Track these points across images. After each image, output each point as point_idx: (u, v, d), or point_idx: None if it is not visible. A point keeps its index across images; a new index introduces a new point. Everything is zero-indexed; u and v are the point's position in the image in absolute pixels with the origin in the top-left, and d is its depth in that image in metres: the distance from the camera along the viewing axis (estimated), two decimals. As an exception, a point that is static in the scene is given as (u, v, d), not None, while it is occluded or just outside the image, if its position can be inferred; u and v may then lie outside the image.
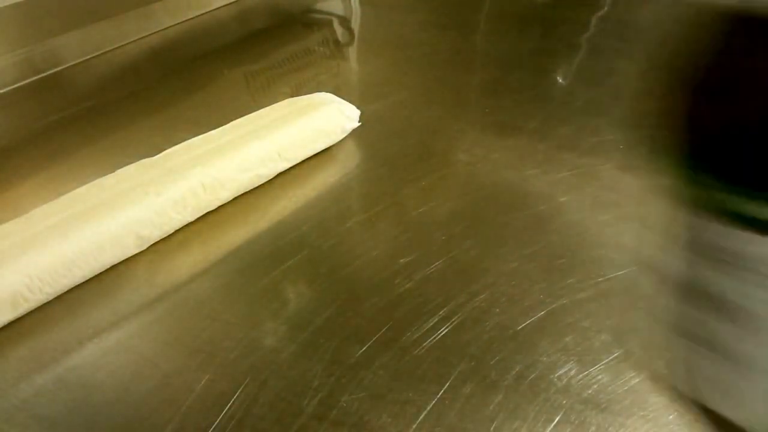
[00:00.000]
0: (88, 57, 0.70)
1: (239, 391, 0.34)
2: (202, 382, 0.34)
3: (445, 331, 0.36)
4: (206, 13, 0.79)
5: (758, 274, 0.12)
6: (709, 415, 0.13)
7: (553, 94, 0.60)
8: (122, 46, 0.72)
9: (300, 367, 0.35)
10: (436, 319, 0.37)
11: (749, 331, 0.12)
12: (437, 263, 0.40)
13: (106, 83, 0.67)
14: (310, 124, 0.50)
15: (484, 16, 0.81)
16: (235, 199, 0.47)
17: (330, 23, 0.81)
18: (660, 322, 0.36)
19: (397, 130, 0.55)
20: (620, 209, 0.44)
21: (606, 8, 0.77)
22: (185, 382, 0.34)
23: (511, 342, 0.35)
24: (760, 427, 0.13)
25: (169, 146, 0.47)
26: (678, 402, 0.32)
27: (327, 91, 0.54)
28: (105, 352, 0.36)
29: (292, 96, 0.54)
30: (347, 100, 0.53)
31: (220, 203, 0.46)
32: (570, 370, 0.34)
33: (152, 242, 0.43)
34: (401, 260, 0.41)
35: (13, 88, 0.64)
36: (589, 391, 0.33)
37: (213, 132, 0.49)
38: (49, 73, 0.67)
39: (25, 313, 0.38)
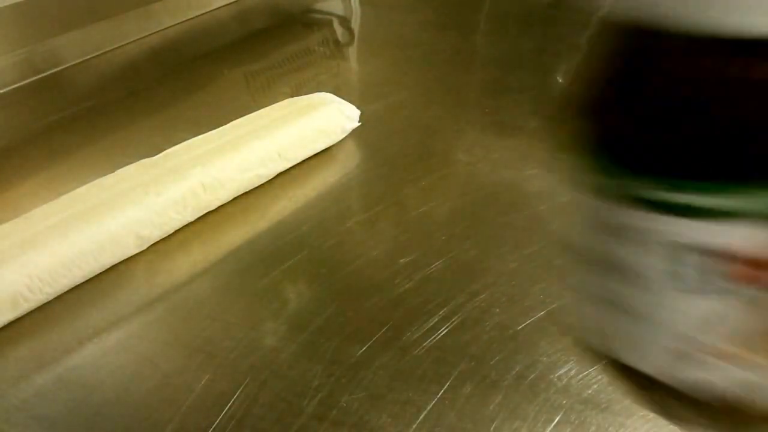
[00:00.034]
0: (88, 57, 0.70)
1: (239, 391, 0.34)
2: (202, 382, 0.34)
3: (445, 331, 0.36)
4: (206, 13, 0.79)
5: (652, 244, 0.13)
6: (615, 363, 0.16)
7: (553, 94, 0.60)
8: (122, 46, 0.72)
9: (300, 367, 0.35)
10: (436, 319, 0.37)
11: (644, 291, 0.14)
12: (437, 263, 0.40)
13: (106, 83, 0.67)
14: (310, 124, 0.50)
15: (484, 16, 0.81)
16: (235, 199, 0.47)
17: (330, 23, 0.81)
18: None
19: (397, 130, 0.55)
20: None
21: (606, 8, 0.77)
22: (185, 382, 0.34)
23: (511, 342, 0.35)
24: (648, 366, 0.15)
25: (169, 146, 0.47)
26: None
27: (327, 91, 0.54)
28: (105, 352, 0.36)
29: (292, 96, 0.54)
30: (347, 100, 0.53)
31: (220, 203, 0.46)
32: (570, 370, 0.34)
33: (152, 242, 0.43)
34: (401, 260, 0.41)
35: (13, 88, 0.64)
36: (589, 391, 0.32)
37: (213, 132, 0.49)
38: (49, 73, 0.67)
39: (25, 313, 0.38)
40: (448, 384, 0.33)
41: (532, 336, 0.35)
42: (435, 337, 0.36)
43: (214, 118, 0.51)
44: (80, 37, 0.69)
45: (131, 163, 0.46)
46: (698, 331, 0.14)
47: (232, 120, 0.50)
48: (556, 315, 0.37)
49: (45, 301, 0.39)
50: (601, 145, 0.15)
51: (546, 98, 0.59)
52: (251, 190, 0.48)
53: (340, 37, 0.78)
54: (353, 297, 0.39)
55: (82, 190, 0.43)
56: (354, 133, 0.53)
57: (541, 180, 0.48)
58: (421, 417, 0.32)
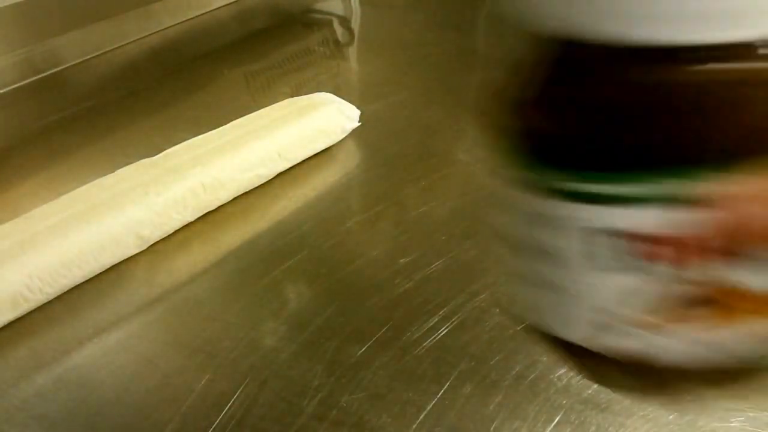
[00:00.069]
0: (88, 57, 0.70)
1: (239, 391, 0.34)
2: (202, 382, 0.34)
3: (445, 331, 0.36)
4: (206, 13, 0.79)
5: (568, 228, 0.15)
6: (544, 335, 0.19)
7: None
8: (122, 46, 0.72)
9: (300, 367, 0.35)
10: (436, 319, 0.37)
11: (564, 270, 0.16)
12: (437, 263, 0.40)
13: (106, 83, 0.67)
14: (310, 124, 0.50)
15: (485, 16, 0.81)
16: (235, 199, 0.47)
17: (330, 23, 0.81)
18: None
19: (397, 130, 0.55)
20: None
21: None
22: (185, 382, 0.34)
23: (511, 342, 0.35)
24: (575, 336, 0.18)
25: (169, 146, 0.47)
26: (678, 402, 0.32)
27: (327, 91, 0.54)
28: (105, 352, 0.36)
29: (292, 96, 0.54)
30: (347, 100, 0.53)
31: (220, 203, 0.46)
32: (570, 370, 0.34)
33: (152, 242, 0.43)
34: (401, 260, 0.41)
35: (13, 88, 0.64)
36: (589, 391, 0.32)
37: (213, 132, 0.49)
38: (49, 73, 0.67)
39: (25, 313, 0.38)
40: (448, 384, 0.33)
41: (532, 336, 0.35)
42: (435, 337, 0.36)
43: (214, 118, 0.51)
44: (80, 37, 0.68)
45: (131, 163, 0.46)
46: (614, 304, 0.16)
47: (232, 120, 0.50)
48: None
49: (45, 301, 0.39)
50: (523, 142, 0.16)
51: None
52: (251, 190, 0.48)
53: (340, 37, 0.78)
54: (353, 297, 0.39)
55: (82, 190, 0.43)
56: (354, 133, 0.53)
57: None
58: (421, 417, 0.32)
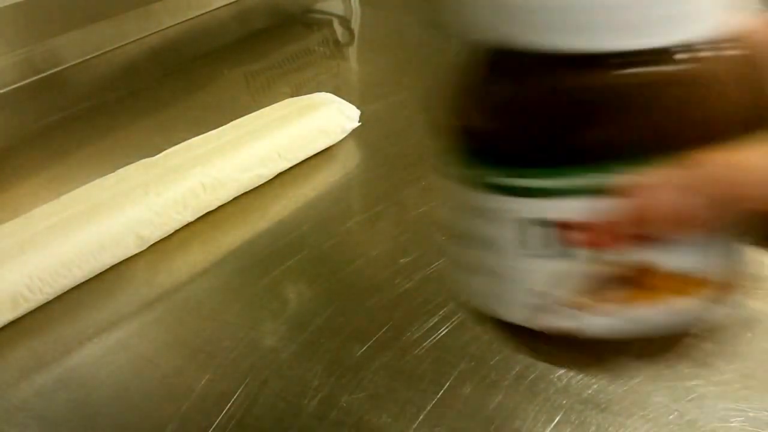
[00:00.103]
0: (88, 57, 0.70)
1: (239, 391, 0.34)
2: (202, 382, 0.34)
3: (445, 331, 0.36)
4: (206, 13, 0.79)
5: (503, 219, 0.18)
6: (488, 317, 0.20)
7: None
8: (122, 46, 0.72)
9: (300, 367, 0.35)
10: (436, 319, 0.37)
11: (501, 257, 0.18)
12: (437, 263, 0.40)
13: (106, 83, 0.67)
14: (310, 124, 0.50)
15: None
16: (235, 199, 0.47)
17: (330, 23, 0.81)
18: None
19: (397, 130, 0.55)
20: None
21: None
22: (185, 382, 0.34)
23: (511, 342, 0.35)
24: (514, 317, 0.19)
25: (169, 146, 0.47)
26: (678, 402, 0.32)
27: (327, 91, 0.54)
28: (105, 352, 0.36)
29: (292, 96, 0.54)
30: (347, 100, 0.53)
31: (220, 203, 0.46)
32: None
33: (152, 242, 0.43)
34: (401, 260, 0.41)
35: (13, 88, 0.64)
36: (589, 391, 0.33)
37: (213, 132, 0.49)
38: (49, 73, 0.67)
39: (25, 313, 0.38)
40: (448, 384, 0.33)
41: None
42: (435, 337, 0.36)
43: (214, 118, 0.51)
44: (80, 37, 0.68)
45: (131, 163, 0.46)
46: (547, 287, 0.18)
47: (232, 120, 0.50)
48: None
49: (45, 301, 0.39)
50: (462, 141, 0.18)
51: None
52: (251, 190, 0.48)
53: (340, 37, 0.78)
54: (353, 297, 0.39)
55: (82, 190, 0.43)
56: (354, 133, 0.53)
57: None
58: (421, 417, 0.32)
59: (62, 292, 0.40)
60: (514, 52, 0.16)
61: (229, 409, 0.33)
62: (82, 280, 0.40)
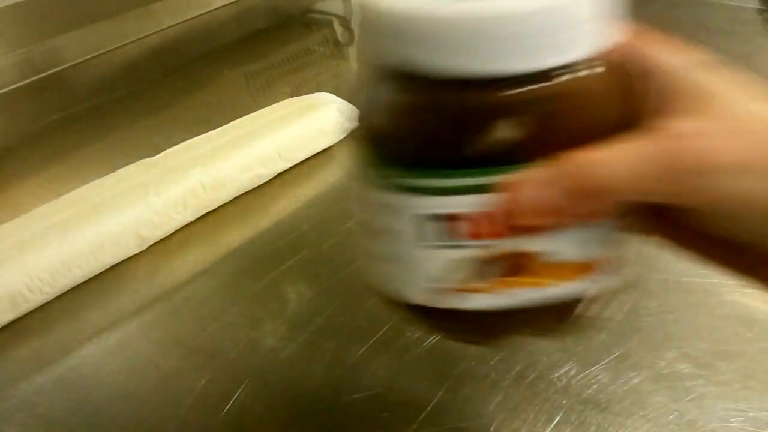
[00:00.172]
0: (88, 57, 0.70)
1: (239, 391, 0.34)
2: (202, 382, 0.34)
3: (445, 331, 0.36)
4: (206, 13, 0.79)
5: (404, 214, 0.21)
6: (393, 300, 0.23)
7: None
8: (122, 46, 0.72)
9: (300, 367, 0.35)
10: (436, 319, 0.37)
11: (403, 248, 0.21)
12: (437, 263, 0.40)
13: (106, 83, 0.67)
14: (310, 124, 0.50)
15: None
16: (235, 199, 0.47)
17: (330, 23, 0.81)
18: (661, 323, 0.36)
19: (397, 130, 0.55)
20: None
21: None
22: (185, 382, 0.34)
23: (511, 342, 0.35)
24: (418, 300, 0.22)
25: (169, 146, 0.47)
26: (678, 402, 0.32)
27: (327, 91, 0.54)
28: (105, 352, 0.36)
29: (292, 96, 0.54)
30: (347, 100, 0.52)
31: (220, 203, 0.46)
32: (570, 370, 0.34)
33: (152, 242, 0.43)
34: (401, 260, 0.41)
35: (13, 88, 0.64)
36: (589, 391, 0.33)
37: (213, 132, 0.49)
38: (49, 73, 0.67)
39: (25, 313, 0.38)
40: (448, 384, 0.33)
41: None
42: (435, 337, 0.36)
43: (214, 118, 0.51)
44: (80, 37, 0.68)
45: (131, 163, 0.46)
46: (442, 273, 0.21)
47: (232, 120, 0.50)
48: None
49: (45, 301, 0.39)
50: (371, 147, 0.21)
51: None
52: (251, 190, 0.48)
53: (340, 37, 0.78)
54: (353, 297, 0.39)
55: (82, 190, 0.43)
56: (354, 133, 0.53)
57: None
58: (421, 417, 0.32)
59: (62, 292, 0.40)
60: (415, 73, 0.19)
61: (229, 409, 0.33)
62: (82, 280, 0.40)
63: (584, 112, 0.19)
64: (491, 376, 0.33)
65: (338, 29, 0.79)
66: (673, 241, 0.23)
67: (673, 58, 0.21)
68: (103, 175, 0.45)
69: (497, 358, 0.34)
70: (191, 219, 0.45)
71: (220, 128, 0.49)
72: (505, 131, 0.19)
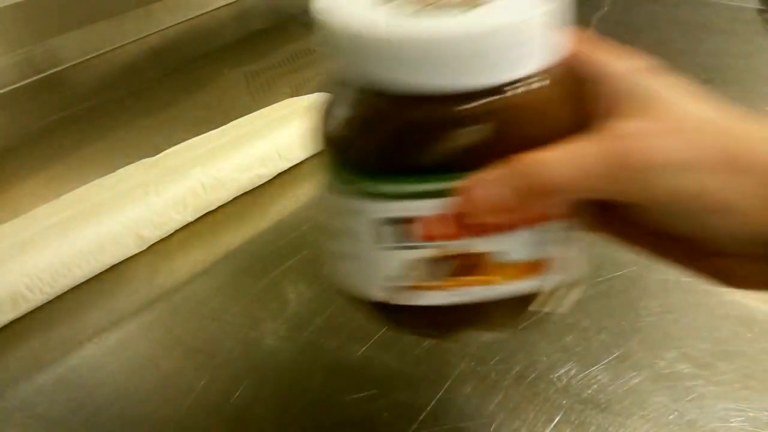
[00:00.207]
0: (88, 57, 0.69)
1: (239, 391, 0.34)
2: (202, 382, 0.34)
3: (445, 331, 0.36)
4: (206, 13, 0.79)
5: (363, 218, 0.22)
6: (355, 298, 0.25)
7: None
8: (122, 46, 0.72)
9: (300, 367, 0.35)
10: (436, 319, 0.37)
11: (362, 249, 0.23)
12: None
13: (106, 83, 0.67)
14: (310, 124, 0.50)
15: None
16: (235, 199, 0.47)
17: (330, 23, 0.81)
18: (660, 322, 0.36)
19: (397, 130, 0.55)
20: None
21: (606, 8, 0.77)
22: (185, 382, 0.34)
23: (511, 342, 0.35)
24: (377, 297, 0.23)
25: (169, 146, 0.47)
26: (678, 402, 0.32)
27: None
28: (105, 352, 0.36)
29: (292, 96, 0.54)
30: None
31: (220, 203, 0.46)
32: (570, 370, 0.34)
33: (152, 242, 0.43)
34: (401, 260, 0.41)
35: (13, 88, 0.64)
36: (589, 391, 0.33)
37: (213, 132, 0.49)
38: (49, 73, 0.66)
39: (25, 313, 0.38)
40: (448, 384, 0.33)
41: (532, 336, 0.35)
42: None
43: (214, 118, 0.51)
44: (80, 37, 0.68)
45: (131, 163, 0.46)
46: (399, 272, 0.22)
47: (232, 120, 0.50)
48: (556, 315, 0.37)
49: (45, 301, 0.39)
50: (334, 155, 0.22)
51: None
52: (251, 190, 0.48)
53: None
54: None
55: (82, 190, 0.43)
56: (354, 133, 0.53)
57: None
58: (421, 417, 0.32)
59: (62, 292, 0.40)
60: (375, 88, 0.20)
61: (229, 409, 0.33)
62: (82, 280, 0.40)
63: (536, 120, 0.21)
64: (491, 376, 0.33)
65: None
66: (621, 238, 0.24)
67: (619, 63, 0.22)
68: (103, 175, 0.45)
69: (497, 358, 0.34)
70: (191, 219, 0.45)
71: (220, 128, 0.49)
72: (460, 141, 0.20)
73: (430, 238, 0.22)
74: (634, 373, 0.33)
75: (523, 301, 0.24)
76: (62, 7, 0.66)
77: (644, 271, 0.38)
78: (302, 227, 0.44)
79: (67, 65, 0.68)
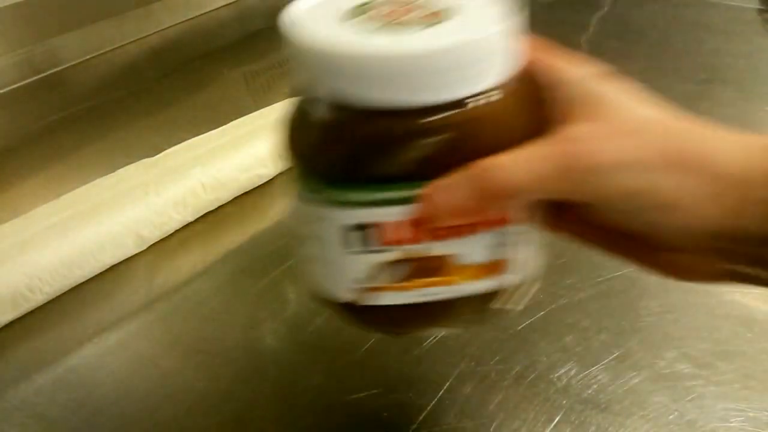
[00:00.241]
0: (88, 57, 0.70)
1: (239, 391, 0.34)
2: (202, 382, 0.34)
3: (445, 331, 0.36)
4: (206, 13, 0.79)
5: (331, 225, 0.23)
6: (325, 300, 0.26)
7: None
8: (122, 46, 0.72)
9: (300, 367, 0.35)
10: (436, 319, 0.37)
11: (331, 254, 0.24)
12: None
13: (106, 83, 0.67)
14: (310, 124, 0.50)
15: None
16: (235, 199, 0.47)
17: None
18: (658, 322, 0.36)
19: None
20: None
21: (606, 8, 0.77)
22: (185, 381, 0.34)
23: (511, 342, 0.35)
24: (345, 298, 0.25)
25: (169, 146, 0.47)
26: (678, 402, 0.32)
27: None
28: (105, 352, 0.36)
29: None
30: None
31: (220, 203, 0.46)
32: (570, 370, 0.34)
33: (152, 242, 0.43)
34: (401, 260, 0.41)
35: (13, 88, 0.64)
36: (589, 391, 0.33)
37: (213, 132, 0.49)
38: (49, 73, 0.67)
39: (25, 313, 0.38)
40: (448, 384, 0.33)
41: (532, 336, 0.35)
42: (435, 337, 0.36)
43: (214, 118, 0.51)
44: (80, 37, 0.68)
45: (131, 163, 0.46)
46: (365, 275, 0.24)
47: (232, 120, 0.50)
48: (556, 315, 0.37)
49: (45, 301, 0.39)
50: (299, 165, 0.23)
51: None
52: (251, 190, 0.48)
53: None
54: (353, 297, 0.39)
55: (82, 190, 0.43)
56: (354, 133, 0.53)
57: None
58: (421, 417, 0.32)
59: (62, 292, 0.40)
60: (341, 103, 0.21)
61: (229, 409, 0.33)
62: (82, 280, 0.40)
63: (495, 129, 0.22)
64: (491, 376, 0.33)
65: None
66: (578, 236, 0.25)
67: (574, 70, 0.23)
68: (103, 175, 0.45)
69: (497, 358, 0.34)
70: (191, 219, 0.45)
71: (220, 128, 0.49)
72: (422, 152, 0.21)
73: (394, 242, 0.23)
74: (634, 373, 0.33)
75: (484, 299, 0.25)
76: (62, 7, 0.66)
77: (644, 271, 0.38)
78: (302, 227, 0.44)
79: (67, 65, 0.68)
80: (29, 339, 0.37)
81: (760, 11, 0.74)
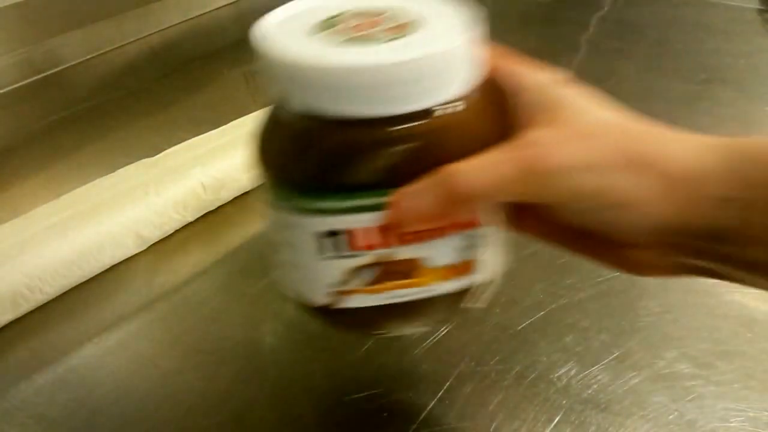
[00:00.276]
0: (88, 57, 0.70)
1: (239, 391, 0.34)
2: (202, 382, 0.34)
3: (445, 331, 0.36)
4: (206, 13, 0.79)
5: (304, 232, 0.24)
6: (300, 304, 0.27)
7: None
8: (122, 46, 0.72)
9: (300, 367, 0.35)
10: (436, 319, 0.37)
11: (306, 259, 0.25)
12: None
13: (106, 83, 0.67)
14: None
15: (485, 16, 0.81)
16: (235, 199, 0.47)
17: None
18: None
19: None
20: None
21: (606, 8, 0.77)
22: (185, 381, 0.34)
23: (511, 342, 0.35)
24: (320, 302, 0.26)
25: (169, 146, 0.47)
26: (678, 402, 0.32)
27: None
28: (105, 352, 0.36)
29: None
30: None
31: (220, 203, 0.46)
32: (570, 370, 0.34)
33: (152, 242, 0.43)
34: (401, 260, 0.41)
35: (13, 88, 0.64)
36: (589, 391, 0.33)
37: (213, 132, 0.49)
38: (49, 73, 0.67)
39: (25, 313, 0.38)
40: (448, 384, 0.33)
41: (532, 336, 0.35)
42: (435, 337, 0.36)
43: (214, 118, 0.51)
44: (80, 37, 0.68)
45: (131, 163, 0.46)
46: (338, 279, 0.24)
47: (232, 120, 0.50)
48: (556, 315, 0.37)
49: (45, 301, 0.39)
50: (271, 174, 0.24)
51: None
52: (251, 190, 0.48)
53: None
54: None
55: (82, 190, 0.43)
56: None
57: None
58: (421, 417, 0.32)
59: (62, 292, 0.40)
60: (308, 113, 0.22)
61: (229, 409, 0.33)
62: (82, 280, 0.40)
63: (460, 137, 0.22)
64: (491, 376, 0.33)
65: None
66: (541, 236, 0.26)
67: (535, 76, 0.24)
68: (103, 175, 0.45)
69: (497, 358, 0.34)
70: (191, 219, 0.45)
71: (220, 128, 0.49)
72: (389, 161, 0.22)
73: (366, 247, 0.24)
74: (634, 373, 0.33)
75: (453, 299, 0.26)
76: (62, 7, 0.66)
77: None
78: (302, 227, 0.44)
79: (67, 65, 0.68)
80: (29, 339, 0.37)
81: (760, 11, 0.74)
